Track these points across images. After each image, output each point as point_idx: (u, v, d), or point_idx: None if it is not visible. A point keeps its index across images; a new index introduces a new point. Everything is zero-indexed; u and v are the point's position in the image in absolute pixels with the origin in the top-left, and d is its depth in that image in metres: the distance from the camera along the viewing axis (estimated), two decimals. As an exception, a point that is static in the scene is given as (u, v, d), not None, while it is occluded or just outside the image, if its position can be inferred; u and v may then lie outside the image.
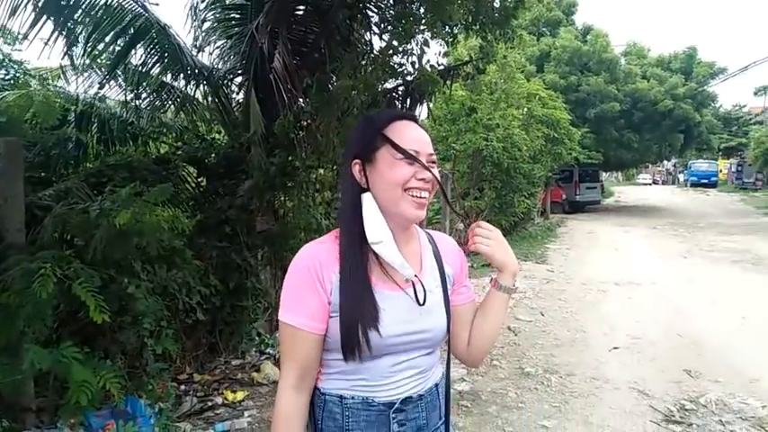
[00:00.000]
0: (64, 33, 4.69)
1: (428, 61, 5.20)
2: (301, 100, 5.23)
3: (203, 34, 6.40)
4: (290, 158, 5.23)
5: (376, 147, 1.37)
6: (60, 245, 3.62)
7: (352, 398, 1.39)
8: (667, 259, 11.85)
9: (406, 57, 5.08)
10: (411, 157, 1.35)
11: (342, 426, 1.39)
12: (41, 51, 4.57)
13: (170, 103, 6.56)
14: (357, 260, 1.36)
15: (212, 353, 5.38)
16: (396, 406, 1.40)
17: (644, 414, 4.35)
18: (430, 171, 1.37)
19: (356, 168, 1.40)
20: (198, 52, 6.49)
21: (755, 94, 48.73)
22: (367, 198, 1.37)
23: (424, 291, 1.41)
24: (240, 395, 4.78)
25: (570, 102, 20.65)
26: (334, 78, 5.32)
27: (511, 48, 8.43)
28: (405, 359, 1.40)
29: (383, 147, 1.36)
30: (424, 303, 1.40)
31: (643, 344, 6.05)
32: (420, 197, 1.36)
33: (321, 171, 5.63)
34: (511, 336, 6.30)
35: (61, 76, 6.43)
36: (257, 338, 5.44)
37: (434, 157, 1.41)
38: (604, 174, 34.54)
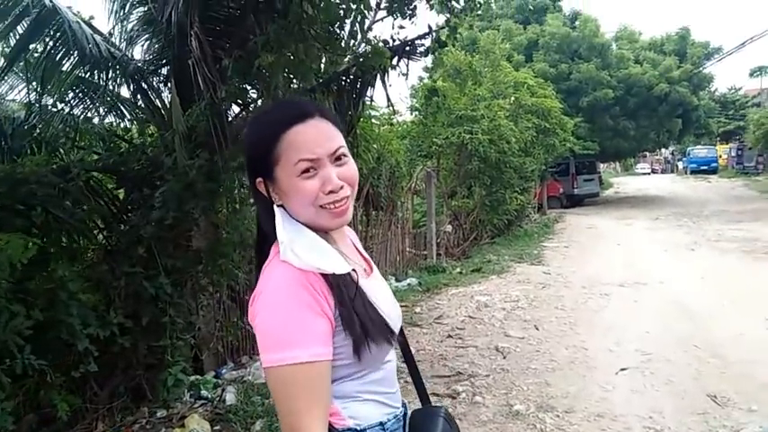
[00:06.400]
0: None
1: (369, 29, 4.24)
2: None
3: (121, 22, 5.50)
4: (215, 159, 4.29)
5: (272, 163, 1.21)
6: None
7: (388, 419, 1.28)
8: (674, 253, 10.91)
9: (341, 27, 4.13)
10: (309, 169, 1.20)
11: None
12: None
13: (91, 103, 5.68)
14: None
15: (139, 401, 4.43)
16: (404, 414, 1.37)
17: (665, 466, 3.40)
18: (335, 178, 1.21)
19: (261, 187, 1.26)
20: (127, 45, 5.64)
21: (751, 75, 47.73)
22: (277, 212, 1.24)
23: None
24: (152, 465, 3.84)
25: (562, 91, 19.80)
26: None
27: (478, 17, 7.51)
28: (394, 358, 1.34)
29: (278, 164, 1.20)
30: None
31: (656, 361, 5.08)
32: (336, 208, 1.22)
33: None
34: (499, 359, 5.32)
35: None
36: (185, 383, 4.48)
37: (342, 150, 1.24)
38: (602, 165, 33.61)
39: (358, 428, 1.22)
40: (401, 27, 4.76)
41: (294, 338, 1.10)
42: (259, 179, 1.25)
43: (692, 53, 24.19)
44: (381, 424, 1.26)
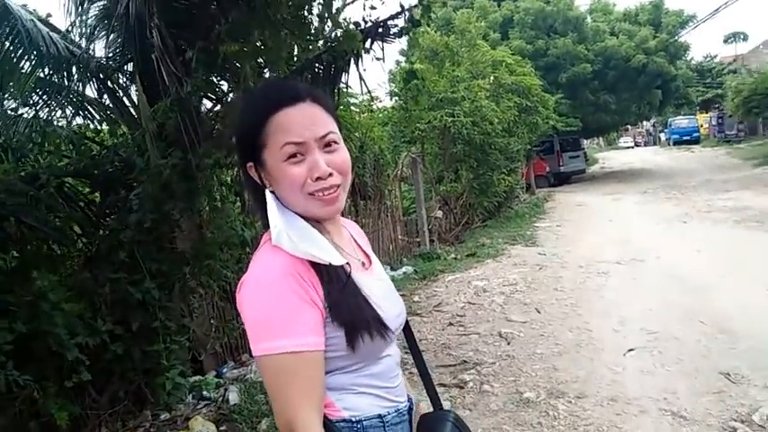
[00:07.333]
0: None
1: (339, 11, 4.00)
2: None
3: (80, 17, 5.19)
4: (188, 157, 4.04)
5: (260, 146, 1.17)
6: None
7: (388, 413, 1.24)
8: (666, 226, 10.78)
9: (310, 10, 3.88)
10: (297, 155, 1.15)
11: None
12: None
13: (57, 105, 5.38)
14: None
15: (141, 405, 4.24)
16: (409, 409, 1.33)
17: (687, 450, 3.23)
18: (323, 165, 1.15)
19: (252, 172, 1.22)
20: (87, 42, 5.35)
21: (726, 41, 48.13)
22: (269, 197, 1.20)
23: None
24: (156, 473, 3.64)
25: (540, 68, 19.59)
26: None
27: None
28: (395, 353, 1.29)
29: (266, 147, 1.16)
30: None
31: (663, 339, 4.92)
32: (325, 196, 1.16)
33: (235, 170, 4.45)
34: (503, 345, 5.14)
35: None
36: (185, 385, 4.29)
37: (332, 137, 1.18)
38: (585, 141, 33.56)
39: (354, 420, 1.18)
40: (372, 8, 4.48)
41: (283, 327, 1.07)
42: (250, 164, 1.21)
43: (666, 22, 24.11)
44: (380, 416, 1.22)
